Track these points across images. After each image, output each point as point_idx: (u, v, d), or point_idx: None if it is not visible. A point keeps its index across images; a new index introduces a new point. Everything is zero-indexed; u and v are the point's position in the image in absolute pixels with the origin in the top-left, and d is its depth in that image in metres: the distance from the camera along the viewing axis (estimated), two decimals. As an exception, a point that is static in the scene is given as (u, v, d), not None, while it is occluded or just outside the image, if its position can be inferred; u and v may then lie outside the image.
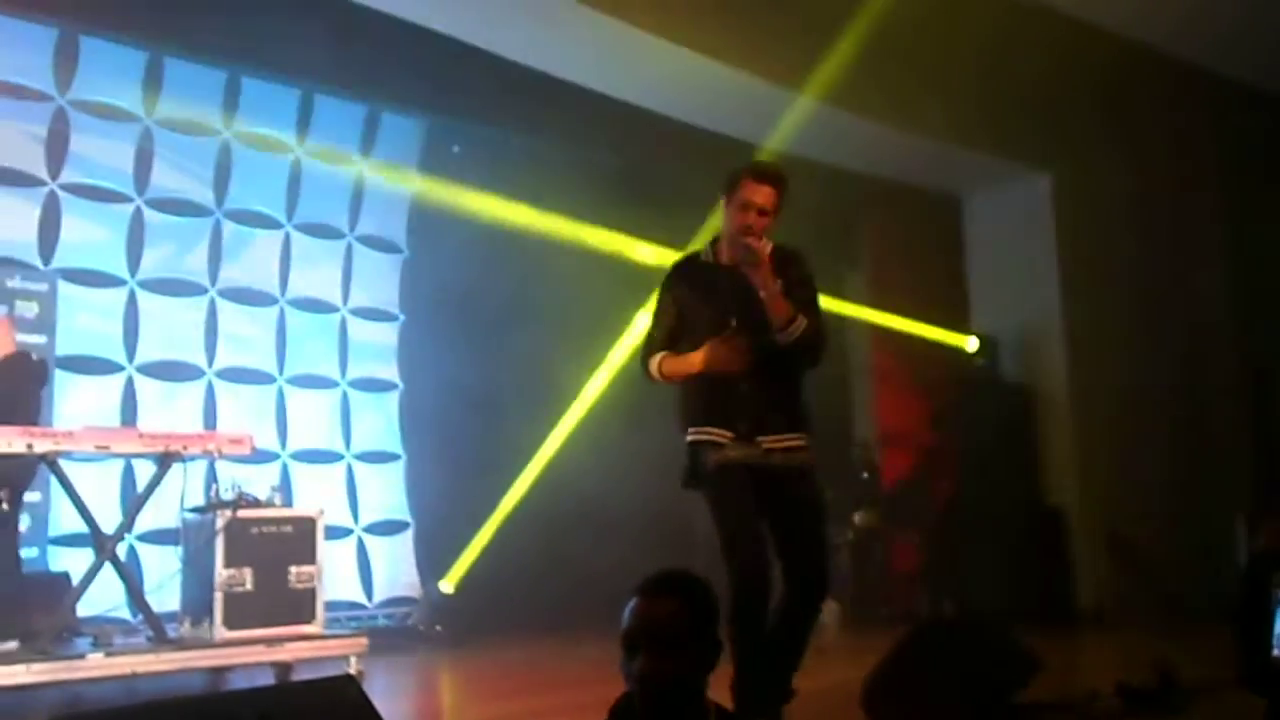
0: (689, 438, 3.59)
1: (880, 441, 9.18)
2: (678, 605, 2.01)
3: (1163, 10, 6.49)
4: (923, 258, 9.01)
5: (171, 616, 5.30)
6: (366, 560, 7.70)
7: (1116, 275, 7.97)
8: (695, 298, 3.59)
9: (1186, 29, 6.76)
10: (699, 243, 3.96)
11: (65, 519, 6.09)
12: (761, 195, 3.50)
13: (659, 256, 7.64)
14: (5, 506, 5.08)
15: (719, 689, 2.13)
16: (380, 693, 5.07)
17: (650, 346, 3.63)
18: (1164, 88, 7.53)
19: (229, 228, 7.39)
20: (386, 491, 7.91)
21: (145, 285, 7.01)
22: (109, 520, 5.22)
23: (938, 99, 7.18)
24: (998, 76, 6.87)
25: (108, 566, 5.00)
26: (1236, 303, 7.98)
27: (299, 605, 5.25)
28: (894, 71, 6.90)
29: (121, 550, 5.42)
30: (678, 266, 3.71)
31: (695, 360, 3.50)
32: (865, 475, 8.84)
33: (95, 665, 4.63)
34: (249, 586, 5.12)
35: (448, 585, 7.54)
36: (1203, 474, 7.82)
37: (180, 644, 4.98)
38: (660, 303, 3.66)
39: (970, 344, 8.31)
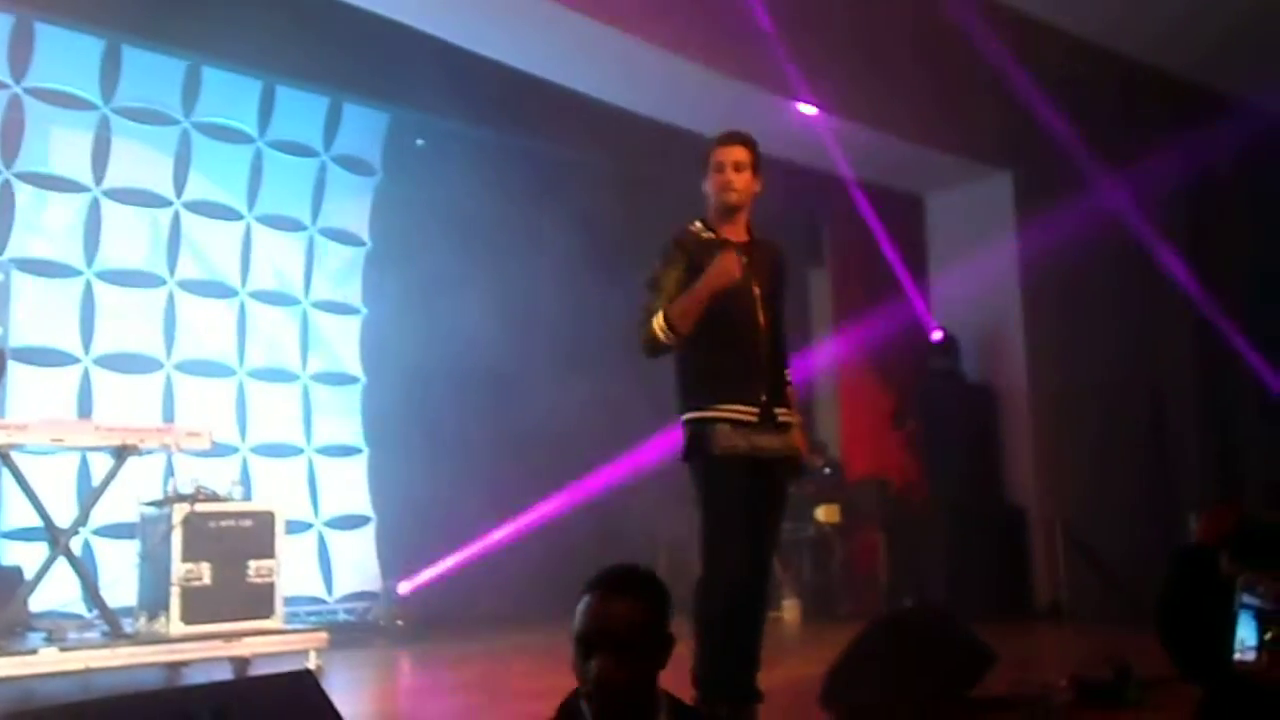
0: (695, 415, 3.48)
1: (843, 437, 9.23)
2: (634, 604, 1.97)
3: (1121, 12, 6.57)
4: (886, 257, 9.06)
5: (128, 611, 5.24)
6: (327, 555, 7.65)
7: (1077, 273, 8.05)
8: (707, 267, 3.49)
9: (1145, 30, 6.85)
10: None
11: (18, 512, 5.99)
12: (733, 154, 3.61)
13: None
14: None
15: (671, 677, 2.13)
16: (340, 688, 5.05)
17: (650, 315, 3.47)
18: (1124, 88, 7.61)
19: (189, 219, 7.30)
20: (348, 486, 7.85)
21: (102, 276, 6.92)
22: (64, 514, 5.16)
23: (901, 98, 7.23)
24: (960, 75, 6.93)
25: (62, 561, 4.94)
26: (1194, 301, 8.08)
27: (258, 600, 5.21)
28: (859, 70, 6.93)
29: (77, 545, 5.36)
30: (688, 239, 3.59)
31: (702, 286, 3.40)
32: (827, 471, 8.88)
33: (49, 660, 4.57)
34: (207, 581, 5.07)
35: (405, 587, 7.50)
36: (1164, 472, 7.92)
37: (136, 639, 4.93)
38: (667, 276, 3.51)
39: (936, 336, 8.36)
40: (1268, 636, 1.74)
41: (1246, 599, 1.78)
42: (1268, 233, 7.89)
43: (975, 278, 8.48)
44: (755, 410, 3.50)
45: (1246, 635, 1.76)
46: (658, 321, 3.43)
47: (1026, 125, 7.51)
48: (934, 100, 7.37)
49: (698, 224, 3.67)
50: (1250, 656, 1.74)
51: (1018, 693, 4.34)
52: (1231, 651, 1.82)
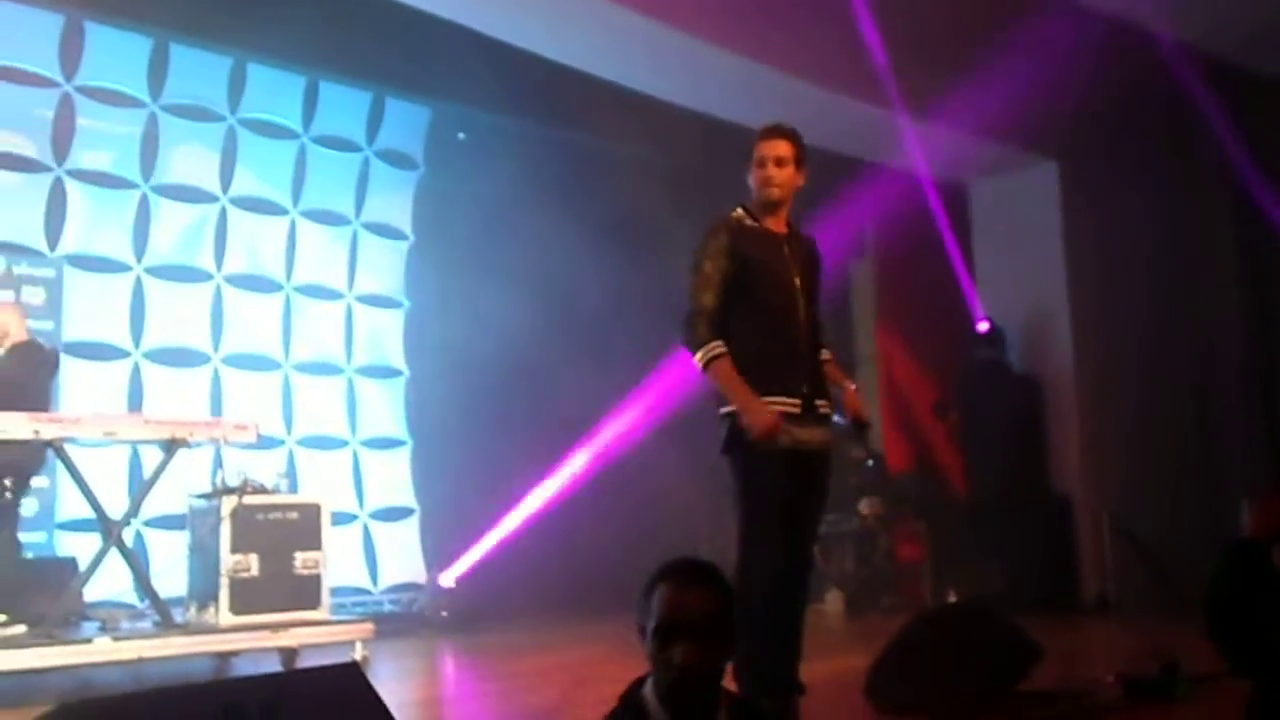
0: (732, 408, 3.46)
1: (886, 429, 9.17)
2: (709, 593, 2.00)
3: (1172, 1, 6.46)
4: (930, 245, 8.99)
5: (178, 602, 5.33)
6: (372, 546, 7.73)
7: (1123, 263, 7.94)
8: (759, 256, 3.53)
9: (1195, 16, 6.71)
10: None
11: (72, 504, 6.12)
12: (775, 149, 3.59)
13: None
14: (8, 495, 5.11)
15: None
16: (385, 678, 5.11)
17: (702, 314, 3.48)
18: (1171, 76, 7.48)
19: (235, 214, 7.39)
20: (392, 478, 7.93)
21: (152, 271, 7.03)
22: (116, 506, 5.25)
23: (948, 88, 7.15)
24: (1005, 63, 6.83)
25: (114, 552, 5.03)
26: (1245, 291, 7.94)
27: (304, 591, 5.28)
28: (903, 58, 6.86)
29: (128, 536, 5.46)
30: (731, 225, 3.59)
31: (743, 400, 3.39)
32: (870, 463, 8.83)
33: (102, 650, 4.66)
34: (255, 572, 5.15)
35: (449, 579, 7.55)
36: (1211, 462, 7.79)
37: (186, 629, 5.01)
38: (712, 262, 3.51)
39: (981, 327, 8.26)
40: None
41: None
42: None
43: (1021, 268, 8.38)
44: (798, 401, 3.50)
45: None
46: (704, 354, 3.46)
47: (1072, 114, 7.40)
48: (980, 89, 7.27)
49: (740, 210, 3.67)
50: None
51: (1064, 688, 4.29)
52: None
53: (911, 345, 9.04)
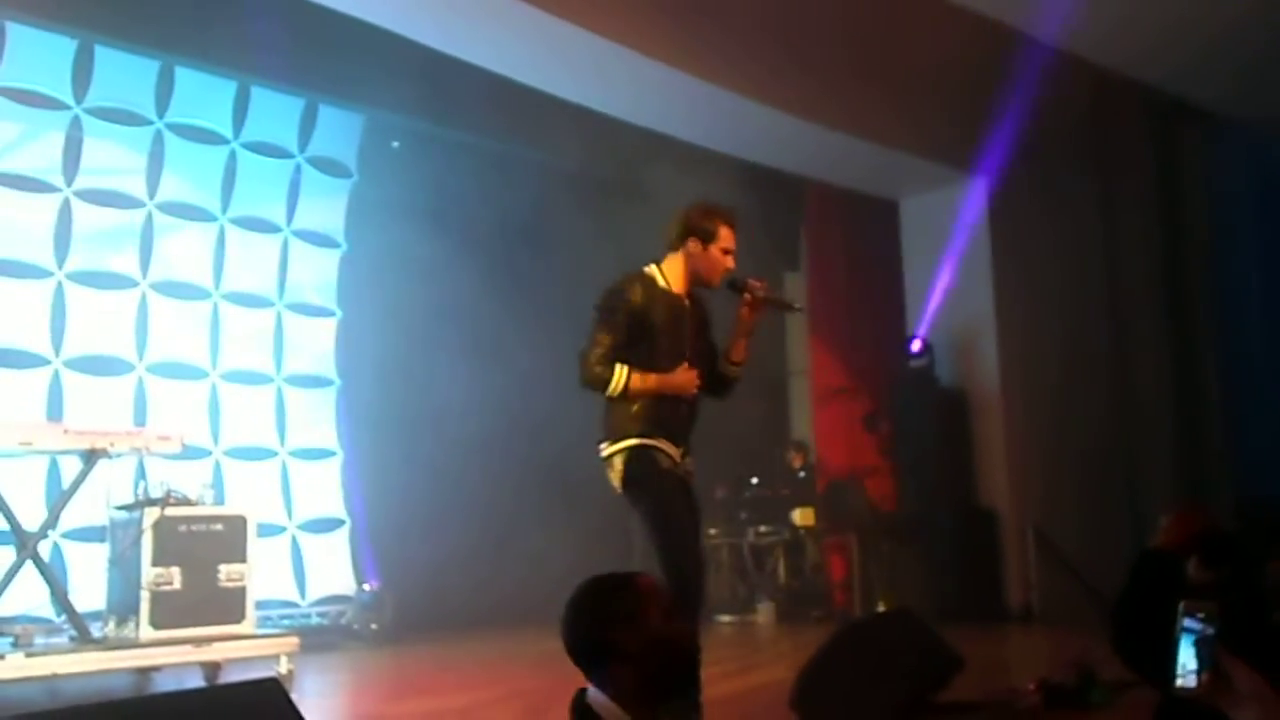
0: (637, 442, 3.71)
1: (817, 441, 9.27)
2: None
3: (1093, 22, 6.61)
4: (862, 259, 9.12)
5: (97, 616, 5.20)
6: (300, 558, 7.62)
7: (1048, 279, 8.12)
8: (660, 320, 3.79)
9: (1115, 40, 6.90)
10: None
11: (-13, 516, 5.93)
12: (733, 240, 3.89)
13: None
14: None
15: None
16: (311, 692, 5.05)
17: (607, 356, 3.72)
18: (1094, 96, 7.68)
19: (161, 220, 7.26)
20: (322, 489, 7.83)
21: (73, 277, 6.87)
22: (32, 518, 5.11)
23: (876, 104, 7.27)
24: (936, 80, 6.96)
25: (30, 565, 4.89)
26: (1163, 306, 8.16)
27: (228, 604, 5.18)
28: (834, 75, 6.97)
29: (45, 548, 5.32)
30: (640, 284, 3.82)
31: (671, 381, 3.74)
32: (802, 475, 8.93)
33: (15, 666, 4.52)
34: (177, 585, 5.04)
35: (377, 590, 7.47)
36: (1132, 475, 7.99)
37: (105, 644, 4.89)
38: (619, 313, 3.75)
39: (910, 340, 8.40)
40: (1204, 663, 1.76)
41: (1188, 623, 1.80)
42: (1235, 238, 7.97)
43: (949, 282, 8.54)
44: (680, 451, 3.78)
45: (1187, 660, 1.79)
46: (619, 378, 3.70)
47: (999, 132, 7.57)
48: (909, 107, 7.41)
49: (655, 268, 3.86)
50: (1191, 681, 1.77)
51: (986, 696, 4.37)
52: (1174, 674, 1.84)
53: (843, 358, 9.15)
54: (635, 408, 3.72)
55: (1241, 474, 7.70)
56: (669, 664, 2.14)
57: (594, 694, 2.12)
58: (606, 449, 3.76)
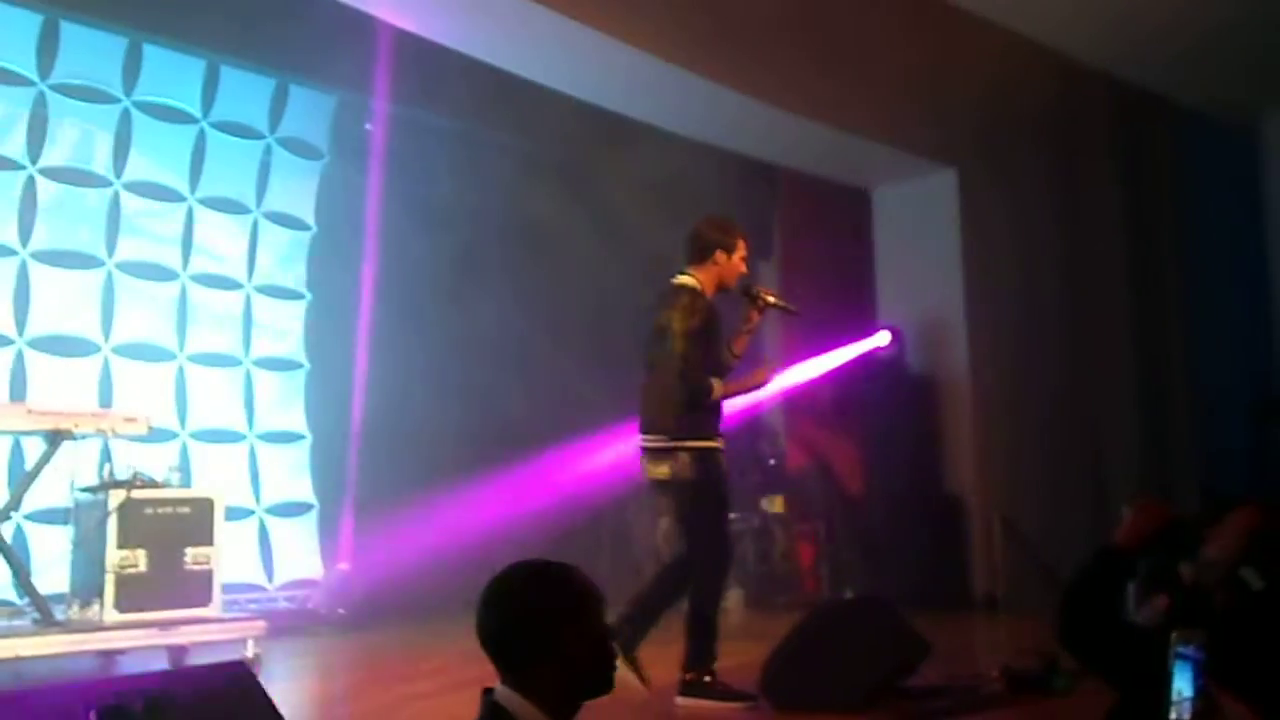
0: (709, 444, 4.24)
1: (787, 428, 9.31)
2: None
3: (1063, 14, 6.65)
4: (833, 248, 9.14)
5: (60, 599, 5.16)
6: (268, 542, 7.58)
7: (1018, 269, 8.18)
8: (717, 327, 4.41)
9: (1086, 32, 6.94)
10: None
11: (-52, 497, 5.86)
12: (746, 248, 4.57)
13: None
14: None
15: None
16: (278, 676, 5.03)
17: (698, 364, 4.24)
18: (1064, 87, 7.72)
19: (128, 199, 7.17)
20: (290, 472, 7.78)
21: (38, 257, 6.77)
22: (-5, 499, 5.06)
23: (849, 91, 7.28)
24: (906, 71, 6.98)
25: (-8, 547, 4.84)
26: (1132, 297, 8.23)
27: (194, 588, 5.15)
28: (806, 63, 6.97)
29: (8, 530, 5.26)
30: (704, 298, 4.37)
31: (747, 384, 4.47)
32: (772, 462, 8.96)
33: (-23, 648, 4.48)
34: (142, 568, 5.01)
35: (345, 574, 7.44)
36: (1099, 465, 8.07)
37: (68, 627, 4.85)
38: (702, 325, 4.28)
39: (883, 338, 8.44)
40: (1199, 691, 1.79)
41: (1182, 651, 1.83)
42: (1201, 230, 8.05)
43: (920, 271, 8.59)
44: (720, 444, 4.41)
45: (1183, 687, 1.82)
46: (718, 390, 4.30)
47: (969, 121, 7.61)
48: (879, 96, 7.43)
49: (694, 281, 4.39)
50: (1186, 710, 1.79)
51: (951, 682, 4.42)
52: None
53: (814, 346, 9.17)
54: (706, 409, 4.22)
55: (1207, 465, 7.79)
56: (602, 667, 2.01)
57: (505, 693, 1.94)
58: (669, 443, 4.20)
